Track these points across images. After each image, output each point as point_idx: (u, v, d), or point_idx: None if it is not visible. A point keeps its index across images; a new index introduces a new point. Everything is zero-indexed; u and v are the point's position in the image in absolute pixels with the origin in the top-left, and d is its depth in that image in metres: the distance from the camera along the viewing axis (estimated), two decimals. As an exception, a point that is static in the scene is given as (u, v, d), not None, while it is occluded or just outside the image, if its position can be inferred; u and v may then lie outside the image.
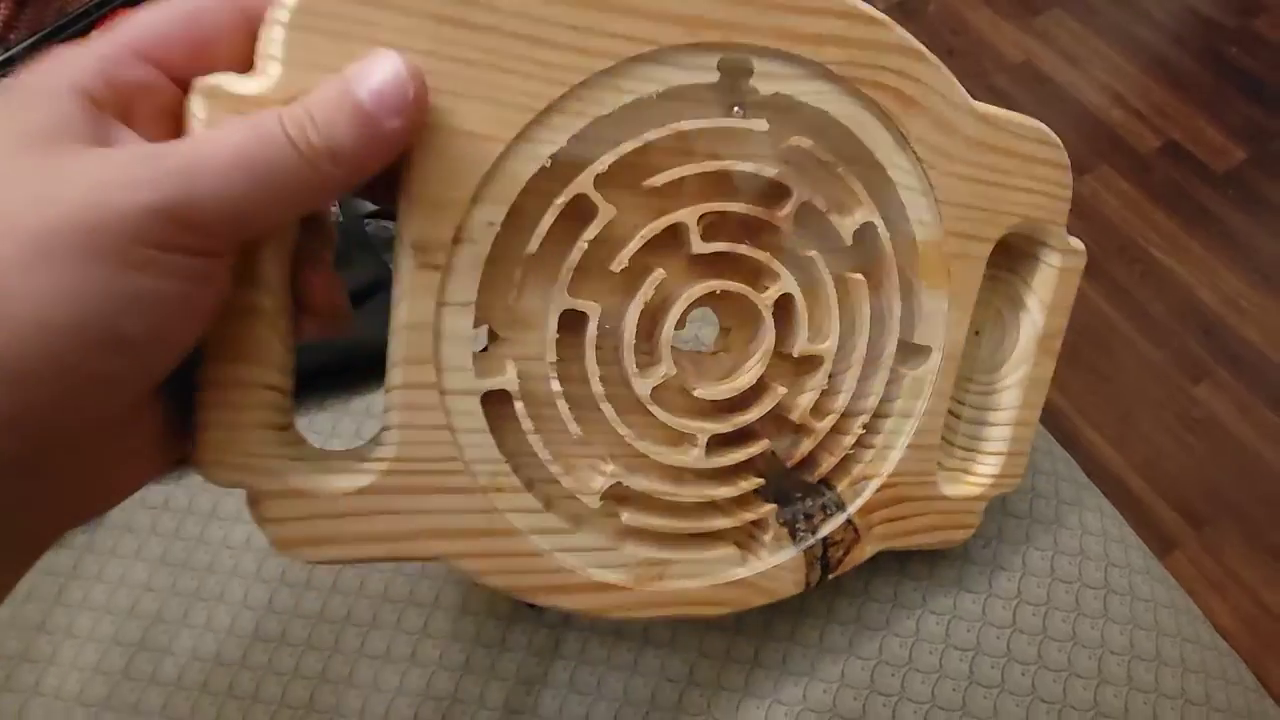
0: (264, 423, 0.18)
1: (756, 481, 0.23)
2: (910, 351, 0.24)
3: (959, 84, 0.21)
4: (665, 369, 0.21)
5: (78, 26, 0.39)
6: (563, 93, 0.18)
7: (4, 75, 0.37)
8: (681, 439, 0.22)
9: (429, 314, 0.18)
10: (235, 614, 0.28)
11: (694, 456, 0.22)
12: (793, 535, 0.24)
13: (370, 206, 0.36)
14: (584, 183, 0.19)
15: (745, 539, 0.24)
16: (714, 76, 0.19)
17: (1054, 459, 0.32)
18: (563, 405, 0.20)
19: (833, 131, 0.21)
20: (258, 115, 0.15)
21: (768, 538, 0.24)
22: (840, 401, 0.23)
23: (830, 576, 0.25)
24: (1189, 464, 0.76)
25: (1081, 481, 0.32)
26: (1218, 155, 0.93)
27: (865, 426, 0.24)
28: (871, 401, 0.24)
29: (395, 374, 0.18)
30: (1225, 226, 0.90)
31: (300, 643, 0.27)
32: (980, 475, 0.27)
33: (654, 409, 0.21)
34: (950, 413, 0.28)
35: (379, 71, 0.15)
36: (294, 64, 0.16)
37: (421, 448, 0.19)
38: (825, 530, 0.24)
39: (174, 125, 0.16)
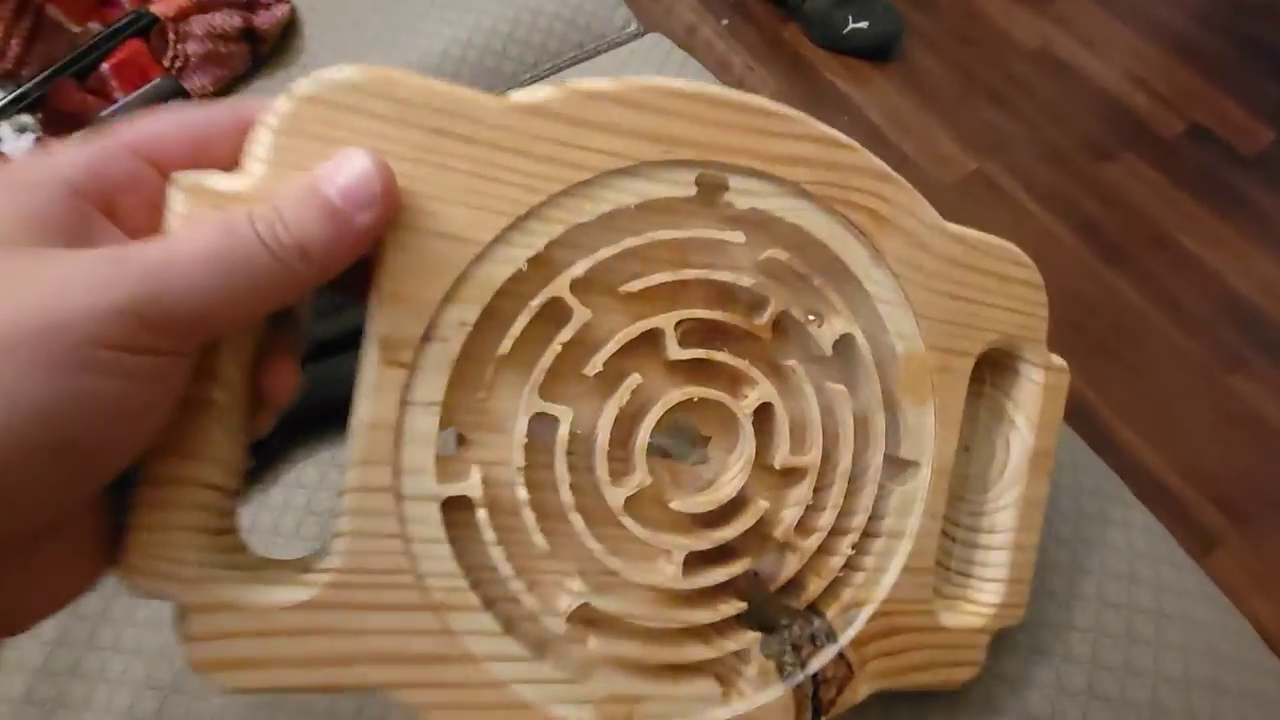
0: (198, 525, 0.16)
1: (738, 605, 0.21)
2: (898, 467, 0.23)
3: (929, 205, 0.22)
4: (640, 478, 0.20)
5: (89, 59, 0.41)
6: (541, 200, 0.18)
7: (19, 110, 0.39)
8: (656, 556, 0.21)
9: (392, 413, 0.17)
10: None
11: (669, 575, 0.20)
12: (780, 670, 0.22)
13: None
14: (560, 286, 0.19)
15: (727, 673, 0.22)
16: (691, 190, 0.20)
17: (1097, 475, 0.31)
18: (529, 514, 0.19)
19: (809, 245, 0.21)
20: (228, 213, 0.15)
21: (752, 672, 0.22)
22: (826, 518, 0.22)
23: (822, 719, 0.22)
24: (1228, 458, 0.69)
25: (1128, 500, 0.31)
26: (1245, 137, 0.86)
27: (854, 546, 0.22)
28: (859, 519, 0.23)
29: (351, 475, 0.17)
30: (1256, 210, 0.82)
31: None
32: (980, 605, 0.25)
33: (626, 521, 0.20)
34: (945, 535, 0.26)
35: (348, 169, 0.15)
36: (279, 164, 0.16)
37: (371, 558, 0.17)
38: (815, 665, 0.22)
39: (160, 219, 0.16)
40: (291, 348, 0.18)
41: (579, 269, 0.19)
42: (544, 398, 0.19)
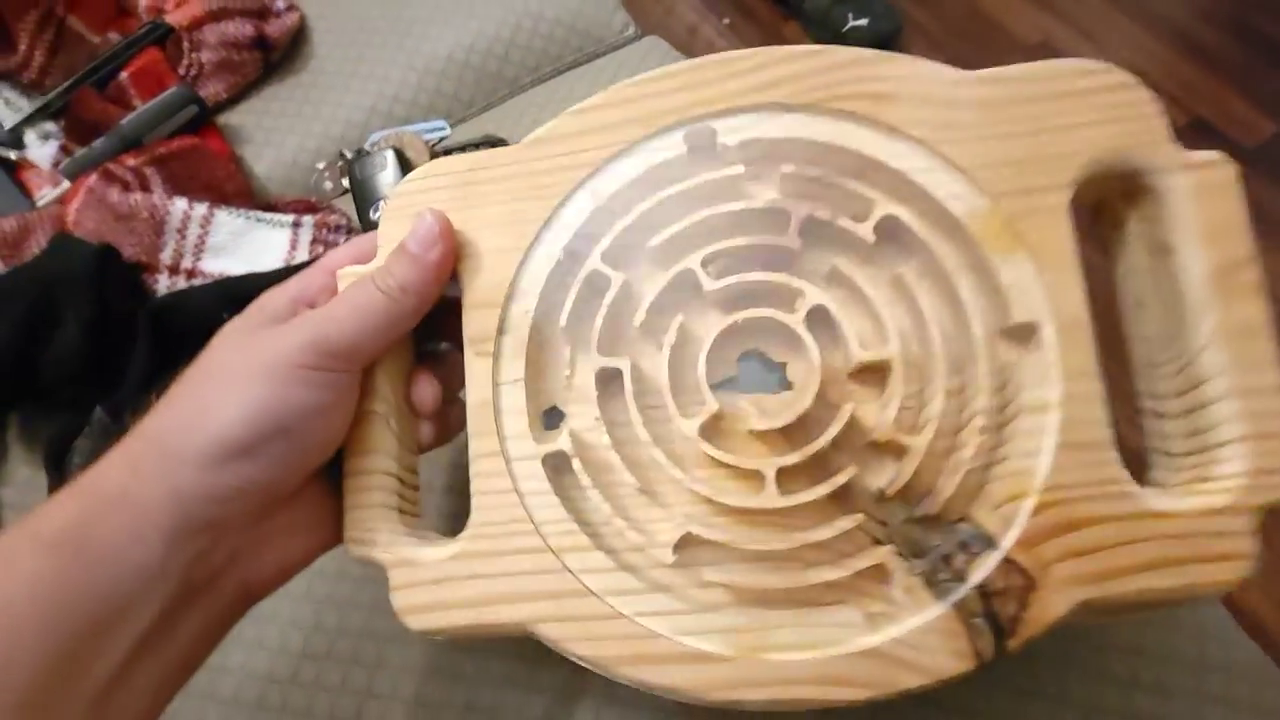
0: (384, 503, 0.22)
1: (855, 518, 0.20)
2: (1014, 333, 0.20)
3: (935, 63, 0.21)
4: (709, 406, 0.21)
5: (108, 68, 0.43)
6: (558, 202, 0.23)
7: (43, 119, 0.42)
8: (752, 481, 0.21)
9: (488, 393, 0.22)
10: (284, 632, 0.30)
11: (767, 496, 0.20)
12: (931, 586, 0.19)
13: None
14: (593, 261, 0.22)
15: (867, 595, 0.20)
16: (683, 148, 0.22)
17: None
18: (614, 456, 0.21)
19: (815, 151, 0.22)
20: (360, 278, 0.22)
21: (897, 592, 0.20)
22: (934, 408, 0.20)
23: (1010, 643, 0.19)
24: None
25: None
26: (1247, 130, 0.84)
27: (984, 430, 0.20)
28: (982, 400, 0.20)
29: (471, 447, 0.22)
30: (1258, 203, 0.69)
31: (346, 659, 0.29)
32: (1222, 478, 0.19)
33: (705, 446, 0.21)
34: (1153, 414, 0.21)
35: (417, 225, 0.22)
36: (388, 243, 0.23)
37: (495, 511, 0.21)
38: (976, 575, 0.19)
39: None
40: (432, 369, 0.24)
41: (605, 242, 0.22)
42: (608, 354, 0.22)
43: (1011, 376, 0.20)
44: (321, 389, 0.21)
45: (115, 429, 0.34)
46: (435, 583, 0.21)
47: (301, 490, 0.22)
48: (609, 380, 0.22)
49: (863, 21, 0.93)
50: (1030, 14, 0.94)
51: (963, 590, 0.19)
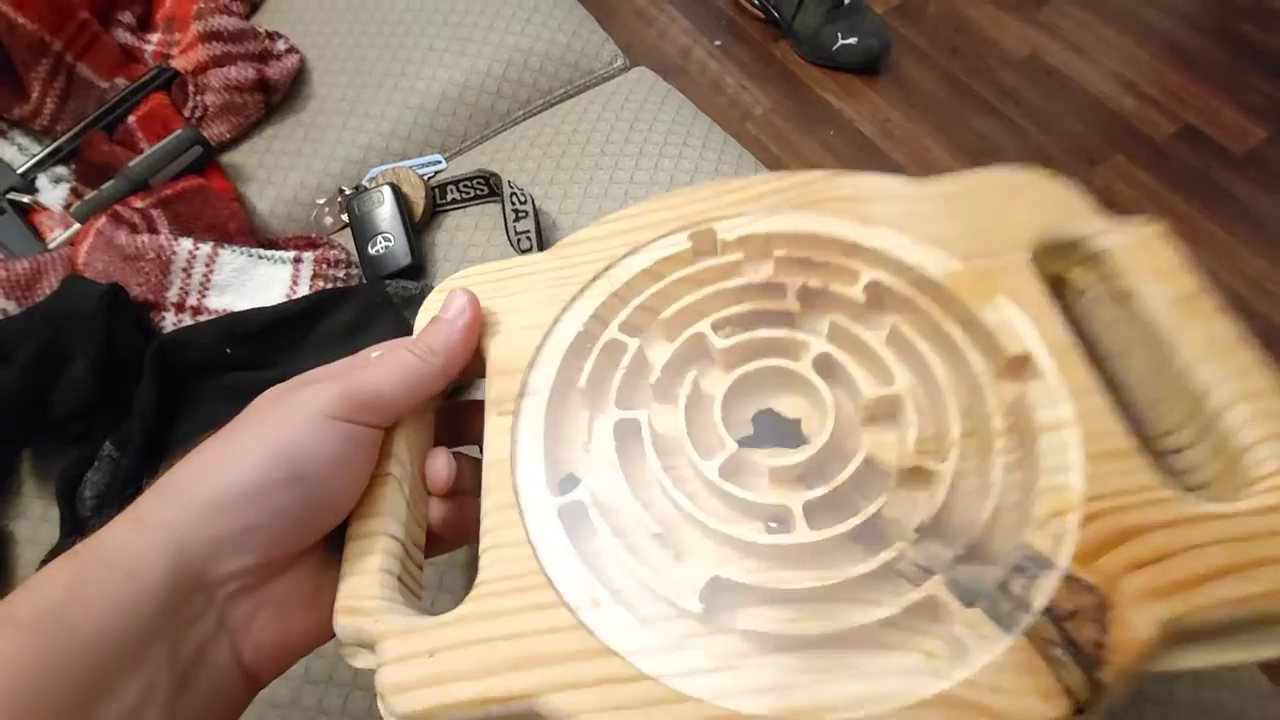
0: (383, 567, 0.21)
1: (896, 547, 0.19)
2: (1013, 366, 0.21)
3: (897, 178, 0.26)
4: (728, 447, 0.21)
5: (117, 113, 0.45)
6: (581, 287, 0.25)
7: (55, 163, 0.42)
8: (777, 524, 0.20)
9: (506, 449, 0.22)
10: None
11: (798, 532, 0.19)
12: (996, 618, 0.17)
13: (391, 268, 0.39)
14: (611, 331, 0.24)
15: (925, 636, 0.18)
16: (688, 244, 0.26)
17: None
18: (634, 503, 0.21)
19: (802, 236, 0.25)
20: (391, 343, 0.24)
21: (958, 628, 0.17)
22: (953, 431, 0.20)
23: (1103, 675, 0.16)
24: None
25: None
26: (1236, 136, 0.86)
27: (1008, 451, 0.20)
28: (998, 422, 0.20)
29: (485, 502, 0.21)
30: (1247, 209, 0.82)
31: (312, 707, 0.27)
32: (1264, 477, 0.18)
33: (727, 486, 0.20)
34: (1172, 450, 0.21)
35: (448, 300, 0.25)
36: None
37: (506, 565, 0.20)
38: (1041, 598, 0.17)
39: None
40: (448, 443, 0.24)
41: (622, 316, 0.24)
42: (626, 408, 0.23)
43: (1021, 408, 0.21)
44: (345, 442, 0.21)
45: (123, 462, 0.33)
46: (430, 654, 0.19)
47: (301, 560, 0.21)
48: (627, 438, 0.22)
49: (852, 40, 0.90)
50: (1018, 28, 0.94)
51: (1030, 617, 0.17)
